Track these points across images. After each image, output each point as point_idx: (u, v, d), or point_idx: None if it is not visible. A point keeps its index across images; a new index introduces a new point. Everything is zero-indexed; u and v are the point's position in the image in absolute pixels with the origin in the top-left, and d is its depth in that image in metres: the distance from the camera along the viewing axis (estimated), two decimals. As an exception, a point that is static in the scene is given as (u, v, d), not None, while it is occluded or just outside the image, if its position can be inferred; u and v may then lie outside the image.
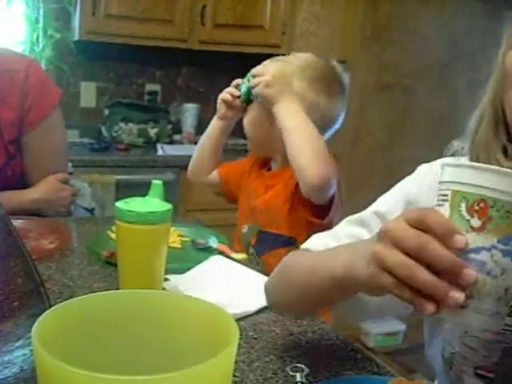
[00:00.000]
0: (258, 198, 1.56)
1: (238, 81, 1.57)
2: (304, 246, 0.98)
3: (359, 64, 3.16)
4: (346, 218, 1.00)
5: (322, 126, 1.50)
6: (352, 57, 3.15)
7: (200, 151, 1.72)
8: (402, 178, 1.10)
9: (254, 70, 1.49)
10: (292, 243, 1.50)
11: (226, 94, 1.59)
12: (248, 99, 1.53)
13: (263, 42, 3.13)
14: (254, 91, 1.48)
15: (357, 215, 0.98)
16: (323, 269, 0.81)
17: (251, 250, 1.55)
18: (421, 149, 3.34)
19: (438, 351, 0.93)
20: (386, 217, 0.91)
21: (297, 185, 1.41)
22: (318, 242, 0.96)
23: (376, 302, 0.90)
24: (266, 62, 1.53)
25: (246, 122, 1.57)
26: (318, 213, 1.43)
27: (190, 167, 1.75)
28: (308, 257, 0.94)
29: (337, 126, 1.59)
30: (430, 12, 3.28)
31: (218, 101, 1.62)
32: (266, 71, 1.46)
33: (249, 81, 1.50)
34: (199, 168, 1.73)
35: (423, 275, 0.60)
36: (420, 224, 0.62)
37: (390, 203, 0.95)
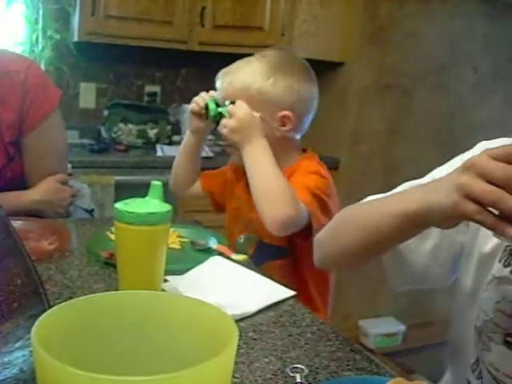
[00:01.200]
0: (253, 209, 1.46)
1: (202, 94, 1.56)
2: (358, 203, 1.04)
3: (359, 65, 3.16)
4: (403, 184, 1.06)
5: (300, 112, 1.51)
6: (351, 58, 3.15)
7: (177, 167, 1.71)
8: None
9: (228, 108, 1.46)
10: (288, 254, 1.50)
11: (194, 105, 1.57)
12: (217, 119, 1.50)
13: (263, 43, 3.12)
14: (220, 131, 1.48)
15: (413, 181, 1.04)
16: (392, 206, 0.87)
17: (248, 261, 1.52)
18: (420, 149, 3.35)
19: (467, 326, 0.96)
20: None
21: None
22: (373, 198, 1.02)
23: (422, 263, 1.00)
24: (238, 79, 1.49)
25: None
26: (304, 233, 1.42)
27: (170, 181, 1.73)
28: (369, 203, 1.02)
29: (312, 113, 1.57)
30: (429, 13, 3.28)
31: (188, 113, 1.61)
32: (235, 112, 1.44)
33: (217, 104, 1.50)
34: (179, 183, 1.72)
35: (510, 200, 0.67)
36: (505, 158, 0.69)
37: (450, 170, 0.98)
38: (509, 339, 0.86)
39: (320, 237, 1.09)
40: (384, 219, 0.88)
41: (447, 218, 0.76)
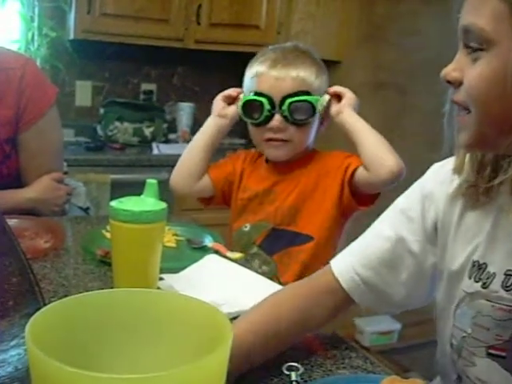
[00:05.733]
0: (278, 197, 1.55)
1: (237, 90, 1.57)
2: (333, 266, 1.03)
3: (355, 63, 3.16)
4: (372, 225, 1.06)
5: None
6: (348, 56, 3.15)
7: (190, 158, 1.62)
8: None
9: (335, 89, 1.54)
10: (308, 241, 1.50)
11: (229, 91, 1.58)
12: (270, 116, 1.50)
13: (259, 41, 3.12)
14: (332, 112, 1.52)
15: (382, 217, 1.05)
16: None
17: (254, 249, 1.54)
18: (416, 147, 3.35)
19: (444, 344, 0.96)
20: (407, 212, 0.99)
21: (346, 181, 1.48)
22: (345, 267, 1.02)
23: (402, 294, 1.00)
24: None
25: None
26: (365, 201, 1.51)
27: (176, 178, 1.63)
28: None
29: None
30: (425, 11, 3.28)
31: (218, 98, 1.59)
32: (344, 91, 1.53)
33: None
34: (190, 175, 1.61)
35: None
36: None
37: (410, 200, 1.02)
38: (492, 351, 0.86)
39: None
40: None
41: None
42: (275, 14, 3.12)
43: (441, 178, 0.97)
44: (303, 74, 1.49)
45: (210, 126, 1.60)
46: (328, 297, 1.01)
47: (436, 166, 1.02)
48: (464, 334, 0.90)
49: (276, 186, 1.57)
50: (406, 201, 1.02)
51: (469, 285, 0.89)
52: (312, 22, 3.10)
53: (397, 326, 3.41)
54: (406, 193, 1.04)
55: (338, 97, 1.53)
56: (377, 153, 1.45)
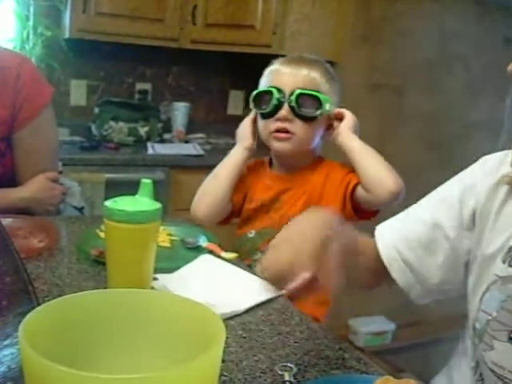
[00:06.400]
0: (274, 207, 1.59)
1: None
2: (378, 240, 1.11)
3: (350, 64, 3.17)
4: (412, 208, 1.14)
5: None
6: (343, 57, 3.15)
7: (217, 185, 1.60)
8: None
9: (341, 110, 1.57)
10: None
11: (254, 114, 1.61)
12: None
13: (254, 41, 3.13)
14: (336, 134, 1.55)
15: (422, 202, 1.13)
16: None
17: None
18: (412, 148, 3.36)
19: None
20: (447, 200, 1.06)
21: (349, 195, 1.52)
22: (388, 242, 1.10)
23: (437, 278, 1.07)
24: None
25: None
26: (366, 215, 1.55)
27: (199, 207, 1.62)
28: None
29: None
30: (421, 12, 3.29)
31: (247, 123, 1.62)
32: (343, 112, 1.56)
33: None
34: (214, 205, 1.60)
35: None
36: None
37: (451, 188, 1.08)
38: None
39: None
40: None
41: None
42: (271, 14, 3.12)
43: (486, 170, 1.03)
44: (314, 74, 1.54)
45: (238, 158, 1.62)
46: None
47: (484, 158, 1.07)
48: (489, 318, 0.93)
49: (283, 194, 1.59)
50: (448, 189, 1.09)
51: (502, 269, 0.93)
52: (308, 22, 3.10)
53: (391, 326, 3.42)
54: (449, 181, 1.10)
55: (340, 119, 1.56)
56: (375, 174, 1.47)
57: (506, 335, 0.90)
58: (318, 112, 1.52)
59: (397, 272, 1.08)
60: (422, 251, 1.06)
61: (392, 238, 1.09)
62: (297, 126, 1.52)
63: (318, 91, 1.52)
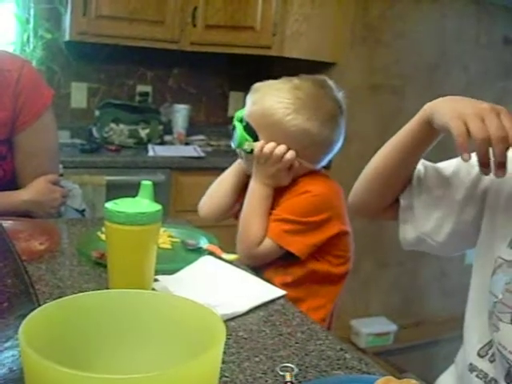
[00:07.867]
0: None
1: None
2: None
3: (350, 65, 3.17)
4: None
5: (315, 152, 1.53)
6: (342, 58, 3.15)
7: (221, 191, 1.68)
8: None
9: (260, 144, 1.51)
10: (294, 257, 1.50)
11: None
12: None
13: (254, 43, 3.14)
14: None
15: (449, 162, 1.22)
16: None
17: None
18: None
19: (478, 311, 1.05)
20: (469, 168, 1.12)
21: None
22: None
23: (428, 227, 1.14)
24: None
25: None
26: None
27: (204, 210, 1.71)
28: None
29: (330, 154, 1.59)
30: (420, 13, 3.29)
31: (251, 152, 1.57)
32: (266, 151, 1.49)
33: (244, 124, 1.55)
34: (219, 208, 1.69)
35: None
36: None
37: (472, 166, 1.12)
38: None
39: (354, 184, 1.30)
40: (401, 132, 1.23)
41: (439, 123, 1.00)
42: (270, 15, 3.12)
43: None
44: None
45: (241, 163, 1.64)
46: None
47: None
48: (495, 300, 0.96)
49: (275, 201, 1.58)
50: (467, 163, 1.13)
51: (508, 253, 0.97)
52: (307, 23, 3.10)
53: (393, 327, 3.42)
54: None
55: (291, 166, 1.51)
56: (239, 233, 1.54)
57: (509, 317, 0.93)
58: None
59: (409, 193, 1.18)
60: (441, 191, 1.14)
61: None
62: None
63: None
